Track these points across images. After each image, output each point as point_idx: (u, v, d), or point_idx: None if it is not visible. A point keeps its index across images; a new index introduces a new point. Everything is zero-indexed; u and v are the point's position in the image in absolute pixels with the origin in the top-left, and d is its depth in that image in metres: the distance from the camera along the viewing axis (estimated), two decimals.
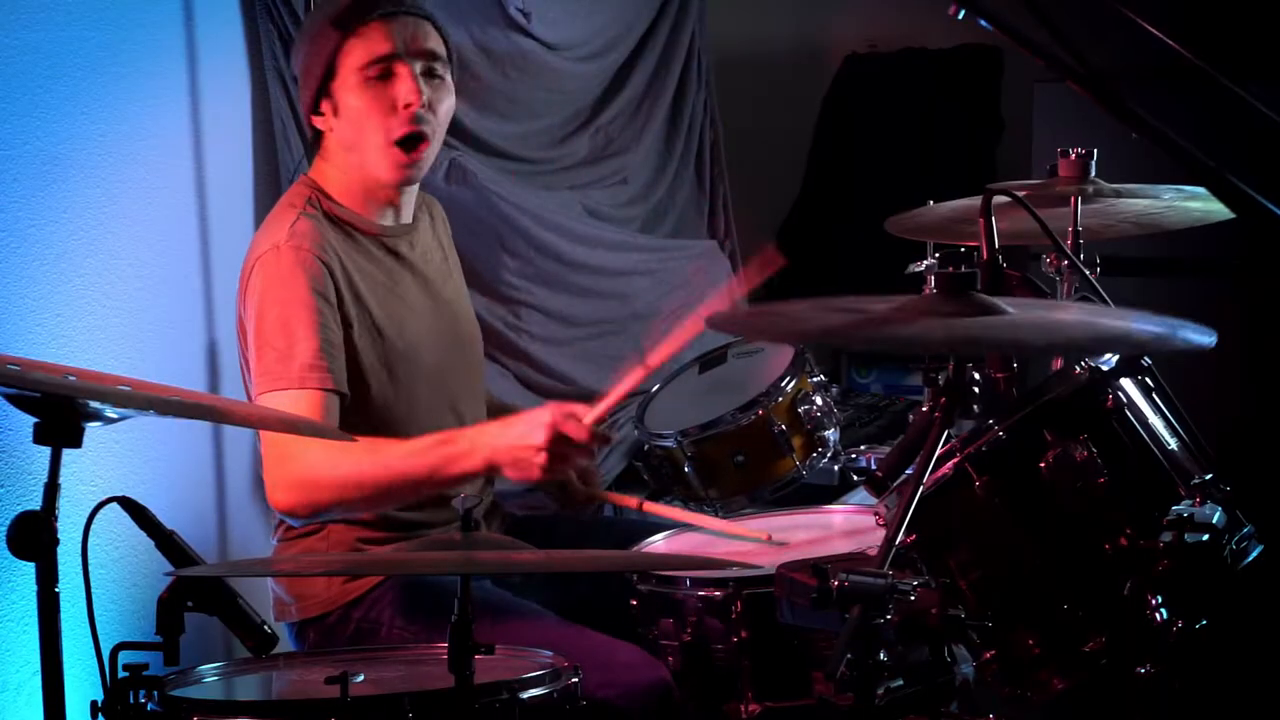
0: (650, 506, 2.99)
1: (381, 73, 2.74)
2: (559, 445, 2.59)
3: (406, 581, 2.76)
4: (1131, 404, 2.38)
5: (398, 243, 2.88)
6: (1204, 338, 1.93)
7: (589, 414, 2.64)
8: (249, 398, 2.77)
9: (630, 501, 3.05)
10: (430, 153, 2.81)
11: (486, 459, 2.62)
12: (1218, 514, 2.33)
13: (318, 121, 2.81)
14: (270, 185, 3.43)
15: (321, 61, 2.76)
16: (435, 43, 2.80)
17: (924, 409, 2.31)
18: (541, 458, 2.58)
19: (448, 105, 2.83)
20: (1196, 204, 2.85)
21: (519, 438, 2.60)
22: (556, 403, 2.68)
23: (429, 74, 2.78)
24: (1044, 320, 2.09)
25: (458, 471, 2.63)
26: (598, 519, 3.76)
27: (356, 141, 2.78)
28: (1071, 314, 2.18)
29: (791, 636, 2.50)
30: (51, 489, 1.93)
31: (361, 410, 2.73)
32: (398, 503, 2.74)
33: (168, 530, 2.12)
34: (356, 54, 2.74)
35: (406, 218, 2.91)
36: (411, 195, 2.91)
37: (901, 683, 2.32)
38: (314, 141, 2.87)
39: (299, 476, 2.62)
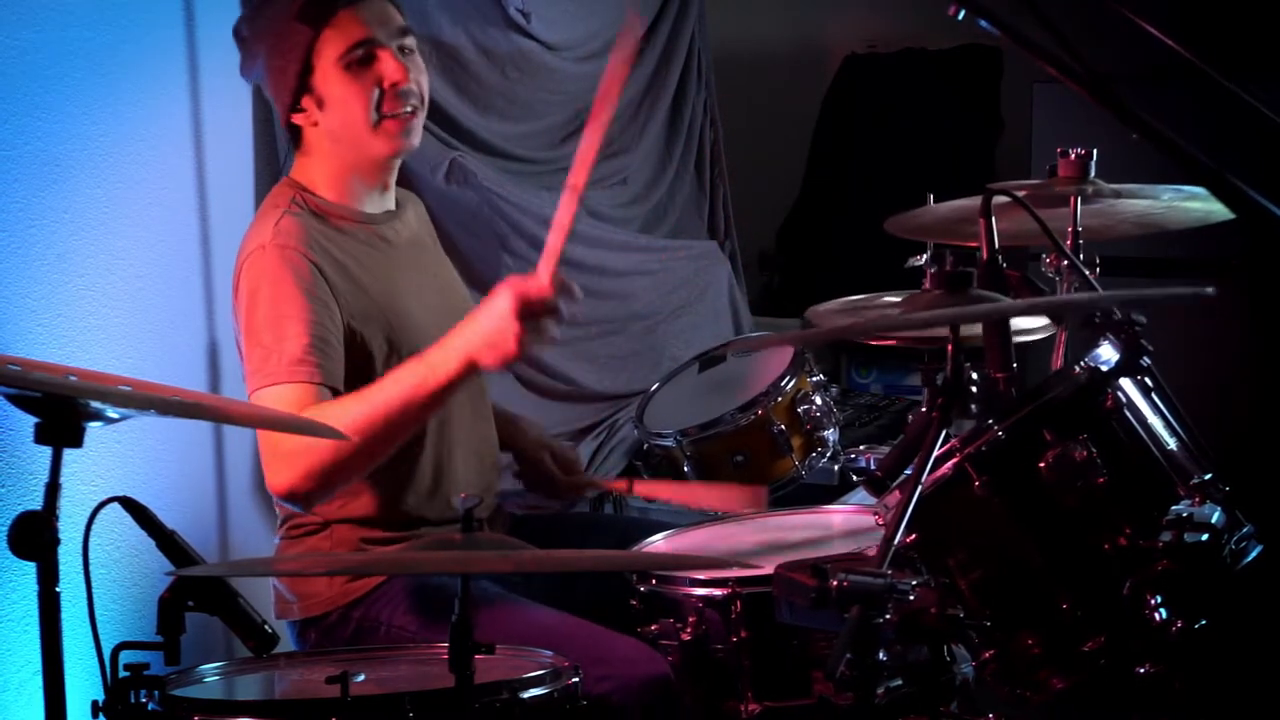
0: (640, 487, 2.96)
1: (363, 57, 2.77)
2: (527, 310, 2.55)
3: (407, 581, 2.75)
4: (1131, 404, 2.38)
5: (385, 229, 2.89)
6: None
7: (541, 268, 2.59)
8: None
9: (619, 485, 3.04)
10: (419, 121, 2.85)
11: (463, 356, 2.57)
12: (1217, 514, 2.33)
13: (299, 119, 2.82)
14: (270, 185, 3.42)
15: (297, 58, 2.77)
16: (402, 20, 2.84)
17: (923, 409, 2.31)
18: (515, 327, 2.53)
19: (425, 77, 2.87)
20: (1196, 204, 2.85)
21: (487, 320, 2.57)
22: (508, 278, 2.63)
23: (403, 50, 2.82)
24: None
25: (441, 382, 2.58)
26: (598, 518, 3.77)
27: (346, 128, 2.79)
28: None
29: (791, 636, 2.50)
30: (52, 489, 1.93)
31: None
32: (397, 442, 2.66)
33: (168, 530, 2.12)
34: (333, 44, 2.76)
35: (390, 204, 2.93)
36: (393, 177, 2.92)
37: (901, 682, 2.32)
38: (292, 139, 2.88)
39: (290, 449, 2.58)
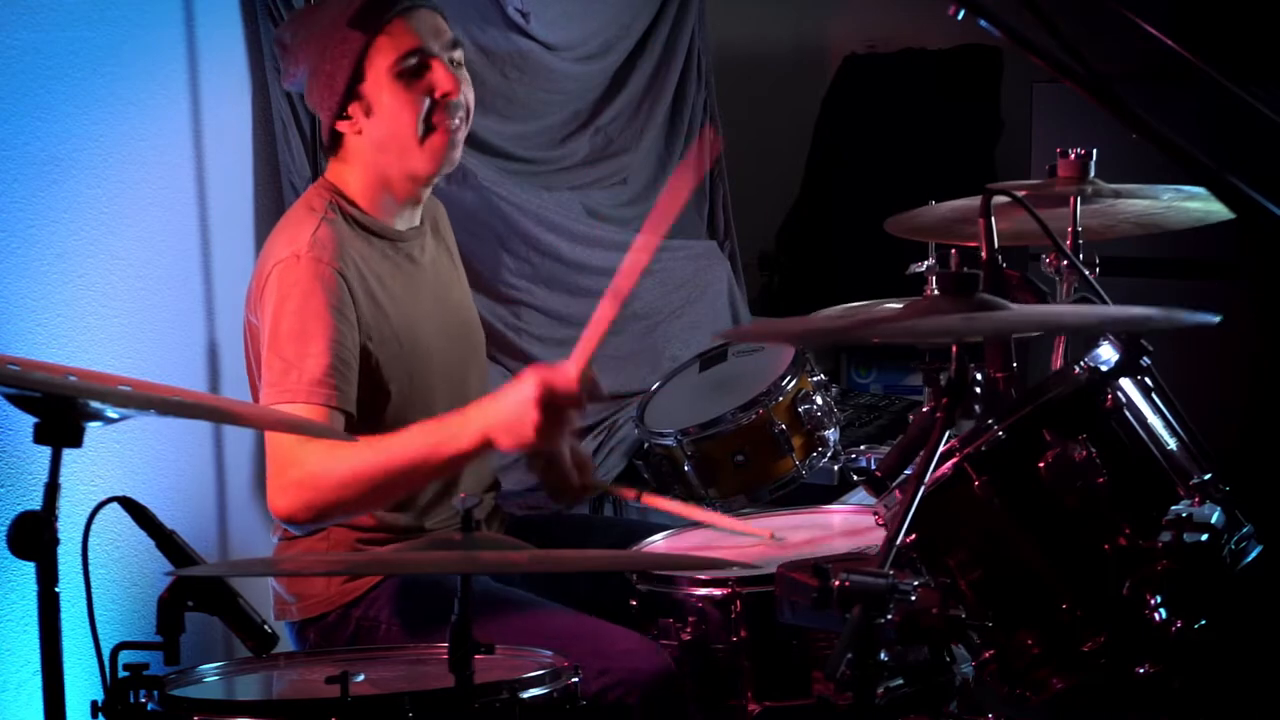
0: (650, 499, 2.96)
1: (416, 67, 2.75)
2: (550, 401, 2.53)
3: (406, 580, 2.75)
4: (1131, 404, 2.38)
5: (411, 247, 2.87)
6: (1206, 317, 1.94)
7: (571, 361, 2.58)
8: (255, 401, 2.76)
9: (629, 493, 3.03)
10: (463, 137, 2.83)
11: (481, 432, 2.55)
12: (1217, 514, 2.33)
13: (343, 126, 2.78)
14: (270, 186, 3.44)
15: (347, 65, 2.73)
16: (452, 33, 2.82)
17: (924, 409, 2.31)
18: (534, 417, 2.51)
19: (472, 92, 2.84)
20: (1196, 204, 2.85)
21: (510, 404, 2.54)
22: (536, 365, 2.62)
23: (453, 63, 2.80)
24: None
25: (455, 451, 2.57)
26: (598, 518, 3.77)
27: (393, 138, 2.76)
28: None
29: (791, 636, 2.50)
30: (52, 489, 1.93)
31: (382, 418, 2.71)
32: (399, 496, 2.70)
33: (168, 530, 2.12)
34: (386, 52, 2.73)
35: (416, 221, 2.90)
36: (427, 193, 2.91)
37: (901, 682, 2.32)
38: (331, 146, 2.83)
39: (298, 478, 2.57)
